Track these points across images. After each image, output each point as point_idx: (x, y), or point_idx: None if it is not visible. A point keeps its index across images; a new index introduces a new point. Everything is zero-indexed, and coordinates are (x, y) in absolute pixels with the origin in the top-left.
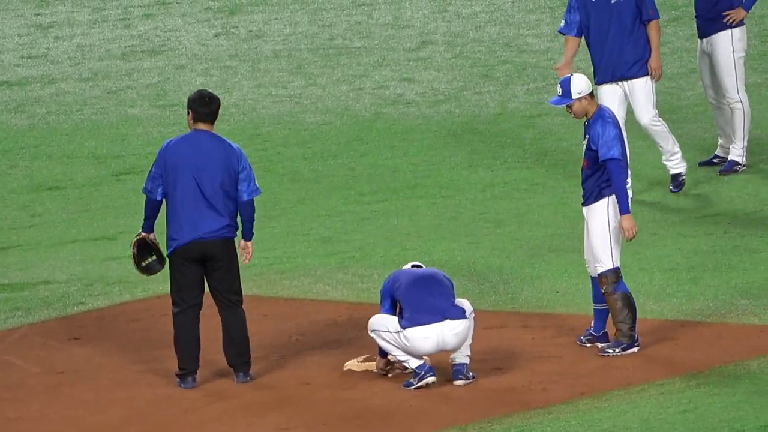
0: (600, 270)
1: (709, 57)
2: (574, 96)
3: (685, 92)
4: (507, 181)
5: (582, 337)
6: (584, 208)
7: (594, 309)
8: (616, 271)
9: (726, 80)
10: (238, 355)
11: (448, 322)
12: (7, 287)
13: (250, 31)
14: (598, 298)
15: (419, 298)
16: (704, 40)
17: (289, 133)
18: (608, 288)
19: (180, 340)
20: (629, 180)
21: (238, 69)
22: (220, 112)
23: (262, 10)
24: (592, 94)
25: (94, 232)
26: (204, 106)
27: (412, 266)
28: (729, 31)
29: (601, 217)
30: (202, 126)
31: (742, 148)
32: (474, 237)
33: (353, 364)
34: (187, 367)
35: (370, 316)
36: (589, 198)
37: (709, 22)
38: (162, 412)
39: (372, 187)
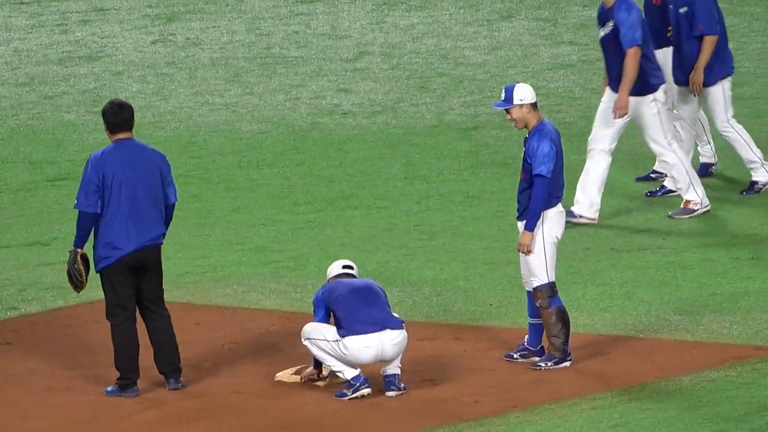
0: (535, 284)
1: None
2: (515, 101)
3: None
4: (442, 194)
5: (513, 353)
6: (519, 223)
7: (529, 323)
8: (551, 285)
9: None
10: (170, 361)
11: (388, 331)
12: None
13: (188, 38)
14: (533, 312)
15: (357, 308)
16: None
17: (225, 141)
18: (543, 302)
19: (124, 350)
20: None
21: (175, 76)
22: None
23: (199, 18)
24: (534, 106)
25: (28, 238)
26: (115, 116)
27: (343, 267)
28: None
29: (535, 231)
30: (123, 135)
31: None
32: (408, 248)
33: (284, 376)
34: (131, 377)
35: (303, 326)
36: (524, 212)
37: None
38: (95, 419)
39: (307, 197)
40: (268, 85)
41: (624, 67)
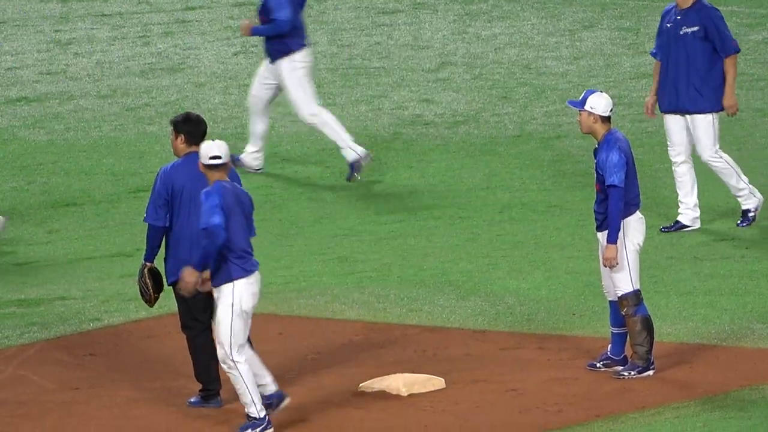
0: (620, 293)
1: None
2: (586, 106)
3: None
4: (525, 203)
5: (596, 362)
6: (599, 234)
7: (612, 332)
8: (636, 293)
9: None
10: None
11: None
12: (23, 303)
13: None
14: (616, 321)
15: (243, 236)
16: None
17: (308, 152)
18: (629, 310)
19: (203, 362)
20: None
21: None
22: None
23: None
24: (606, 119)
25: (111, 249)
26: (196, 126)
27: (211, 158)
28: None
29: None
30: (195, 148)
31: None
32: (491, 258)
33: (368, 386)
34: (213, 387)
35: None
36: (603, 223)
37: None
38: (177, 430)
39: (389, 207)
40: (350, 95)
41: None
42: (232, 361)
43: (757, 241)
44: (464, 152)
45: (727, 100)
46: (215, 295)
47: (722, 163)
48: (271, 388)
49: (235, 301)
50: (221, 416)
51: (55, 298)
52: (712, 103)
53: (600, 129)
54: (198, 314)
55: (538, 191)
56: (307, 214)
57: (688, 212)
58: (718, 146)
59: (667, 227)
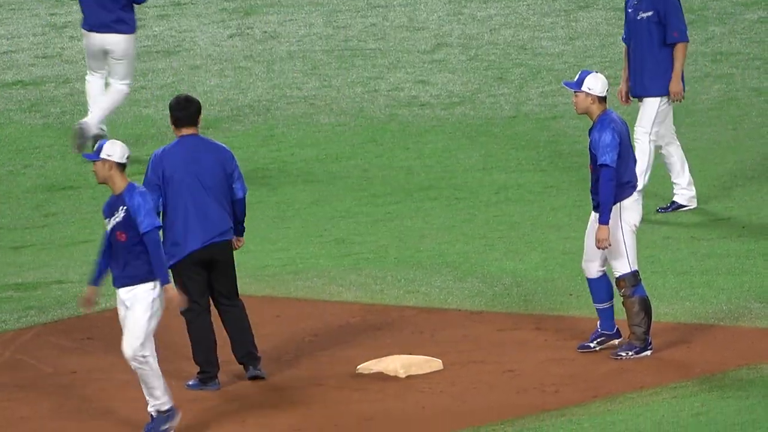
0: (618, 274)
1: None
2: (583, 87)
3: (700, 96)
4: (521, 184)
5: (590, 343)
6: (595, 214)
7: (597, 309)
8: (634, 274)
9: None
10: (246, 350)
11: None
12: (20, 286)
13: (265, 32)
14: (598, 298)
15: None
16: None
17: (304, 134)
18: (626, 291)
19: (200, 344)
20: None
21: (253, 70)
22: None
23: (277, 11)
24: (603, 99)
25: None
26: (181, 110)
27: (127, 158)
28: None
29: (613, 222)
30: (186, 131)
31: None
32: (488, 239)
33: (366, 367)
34: (210, 370)
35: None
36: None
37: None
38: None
39: (386, 188)
40: (346, 77)
41: None
42: (143, 356)
43: (754, 220)
44: (460, 133)
45: (673, 86)
46: (124, 295)
47: (646, 146)
48: None
49: (155, 297)
50: (220, 398)
51: (52, 282)
52: (658, 88)
53: (596, 110)
54: (196, 297)
55: (534, 172)
56: (303, 197)
57: (684, 192)
58: (654, 130)
59: (663, 208)
